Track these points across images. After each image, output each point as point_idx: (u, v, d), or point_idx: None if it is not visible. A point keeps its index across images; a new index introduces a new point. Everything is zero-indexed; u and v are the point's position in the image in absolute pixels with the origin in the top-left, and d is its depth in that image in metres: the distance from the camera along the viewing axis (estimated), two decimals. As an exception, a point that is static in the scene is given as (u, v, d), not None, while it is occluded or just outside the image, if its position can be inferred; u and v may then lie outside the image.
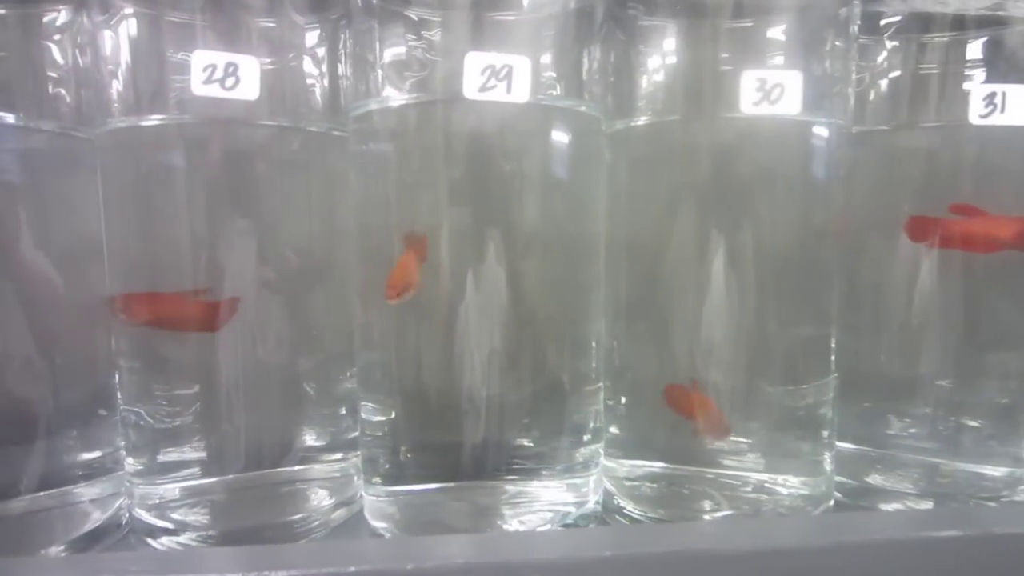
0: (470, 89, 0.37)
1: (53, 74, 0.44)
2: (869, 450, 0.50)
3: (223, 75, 0.39)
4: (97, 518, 0.45)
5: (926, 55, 0.46)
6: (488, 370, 0.41)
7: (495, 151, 0.39)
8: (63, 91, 0.44)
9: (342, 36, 0.45)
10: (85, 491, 0.45)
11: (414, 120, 0.41)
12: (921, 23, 0.46)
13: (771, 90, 0.38)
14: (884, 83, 0.48)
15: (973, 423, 0.47)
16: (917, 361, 0.48)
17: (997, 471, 0.47)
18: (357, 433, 0.47)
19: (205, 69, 0.39)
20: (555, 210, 0.42)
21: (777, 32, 0.41)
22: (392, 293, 0.39)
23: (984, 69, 0.45)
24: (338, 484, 0.47)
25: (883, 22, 0.47)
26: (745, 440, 0.44)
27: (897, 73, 0.47)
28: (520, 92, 0.37)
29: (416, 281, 0.40)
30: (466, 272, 0.40)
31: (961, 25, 0.46)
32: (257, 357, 0.44)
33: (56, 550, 0.42)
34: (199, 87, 0.39)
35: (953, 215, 0.45)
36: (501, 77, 0.36)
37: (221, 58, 0.39)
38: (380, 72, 0.41)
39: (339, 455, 0.48)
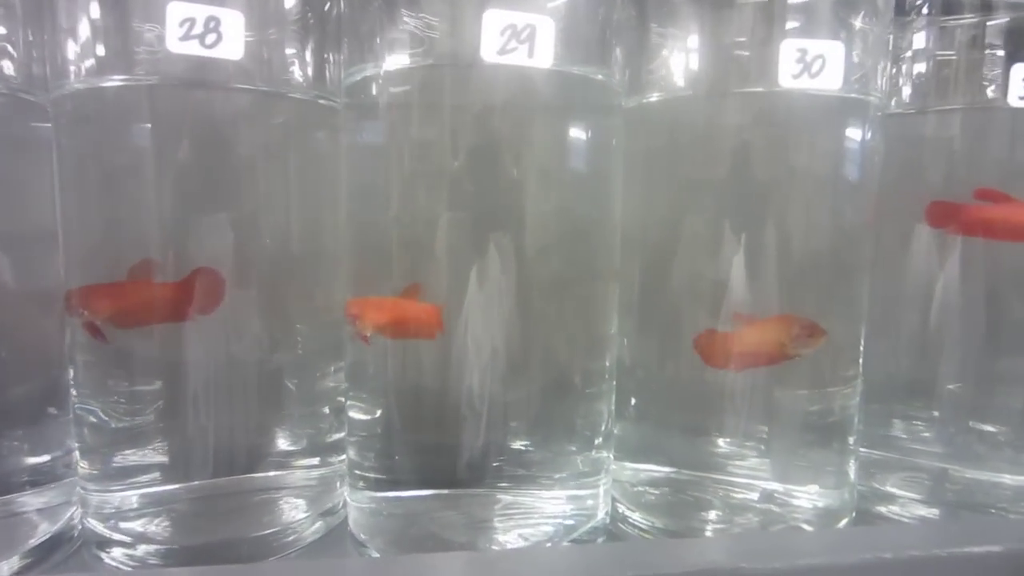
0: (488, 51, 0.33)
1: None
2: (875, 453, 0.47)
3: (203, 31, 0.34)
4: (46, 529, 0.40)
5: (956, 36, 0.44)
6: (489, 367, 0.37)
7: (512, 122, 0.35)
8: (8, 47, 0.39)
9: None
10: (32, 499, 0.39)
11: (420, 87, 0.36)
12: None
13: (812, 62, 0.35)
14: (917, 64, 0.45)
15: (990, 428, 0.45)
16: (930, 362, 0.45)
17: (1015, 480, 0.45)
18: (341, 435, 0.43)
19: (182, 24, 0.34)
20: (572, 191, 0.38)
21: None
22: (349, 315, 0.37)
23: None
24: (317, 492, 0.43)
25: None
26: (762, 446, 0.41)
27: (927, 54, 0.44)
28: (543, 56, 0.33)
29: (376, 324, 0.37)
30: (470, 260, 0.36)
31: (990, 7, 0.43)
32: (228, 349, 0.39)
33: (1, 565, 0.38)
34: (175, 44, 0.34)
35: (978, 201, 0.42)
36: (523, 39, 0.32)
37: (201, 11, 0.34)
38: (381, 32, 0.36)
39: (320, 459, 0.43)
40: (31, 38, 0.39)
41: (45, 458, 0.41)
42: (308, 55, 0.40)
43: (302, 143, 0.41)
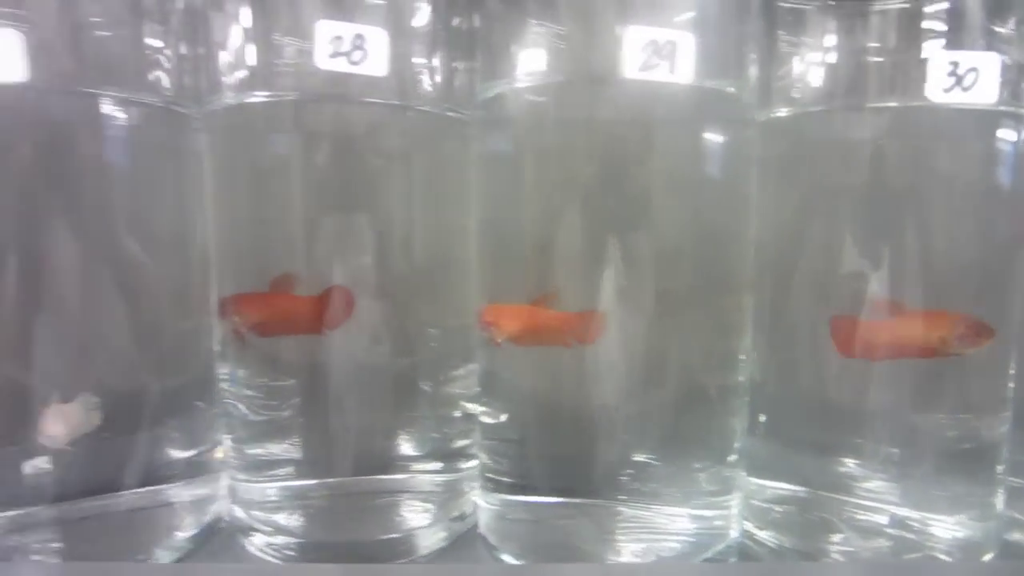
0: (630, 67, 0.33)
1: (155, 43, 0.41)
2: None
3: (351, 48, 0.36)
4: (194, 520, 0.42)
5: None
6: (623, 377, 0.37)
7: (650, 135, 0.35)
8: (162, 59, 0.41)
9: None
10: (182, 490, 0.42)
11: (558, 102, 0.37)
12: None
13: (965, 75, 0.33)
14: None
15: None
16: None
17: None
18: (468, 441, 0.44)
19: (332, 41, 0.36)
20: (707, 204, 0.37)
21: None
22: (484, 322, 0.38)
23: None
24: (445, 498, 0.44)
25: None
26: (895, 468, 0.39)
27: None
28: (684, 71, 0.33)
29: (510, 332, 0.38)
30: (604, 271, 0.36)
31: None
32: (363, 353, 0.41)
33: (159, 552, 0.40)
34: (324, 60, 0.36)
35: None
36: (664, 55, 0.32)
37: (348, 29, 0.36)
38: (520, 48, 0.37)
39: (447, 464, 0.44)
40: (184, 51, 0.41)
41: (194, 451, 0.43)
42: (439, 69, 0.41)
43: (433, 154, 0.42)
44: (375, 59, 0.36)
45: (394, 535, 0.41)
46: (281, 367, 0.41)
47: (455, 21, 0.42)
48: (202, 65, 0.40)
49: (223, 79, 0.39)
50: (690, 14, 0.34)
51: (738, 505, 0.41)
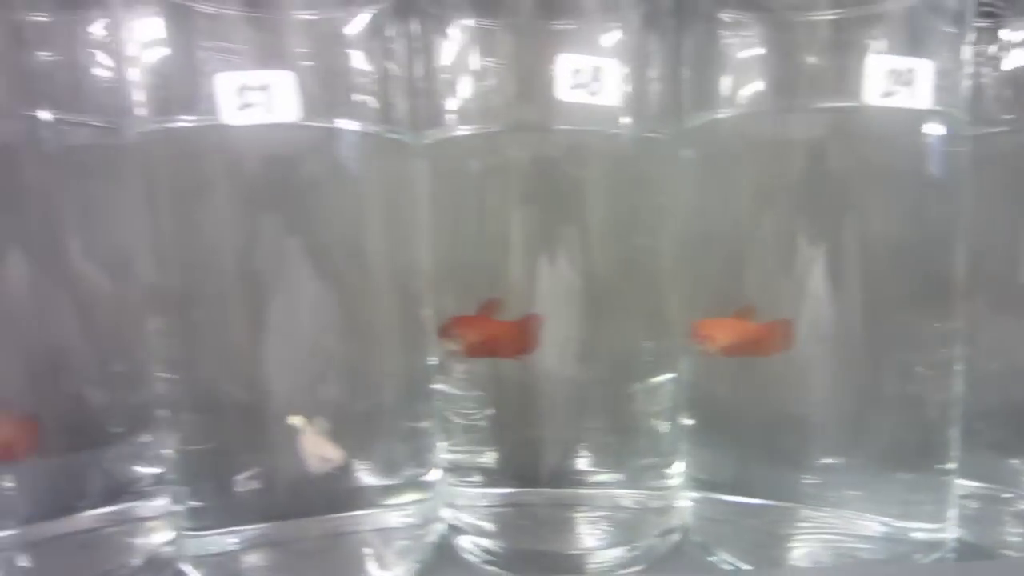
0: (871, 94, 0.35)
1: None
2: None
3: (589, 79, 0.39)
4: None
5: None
6: (835, 385, 0.40)
7: (890, 167, 0.38)
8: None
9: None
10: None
11: (777, 129, 0.40)
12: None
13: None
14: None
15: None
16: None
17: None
18: (672, 456, 0.46)
19: (573, 73, 0.38)
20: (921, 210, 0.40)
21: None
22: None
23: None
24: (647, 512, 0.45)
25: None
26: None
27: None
28: (923, 98, 0.35)
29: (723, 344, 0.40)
30: (817, 283, 0.39)
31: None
32: (570, 369, 0.43)
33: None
34: (566, 92, 0.39)
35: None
36: (904, 81, 0.35)
37: (588, 62, 0.39)
38: (738, 80, 0.40)
39: (651, 478, 0.45)
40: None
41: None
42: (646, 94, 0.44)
43: (639, 174, 0.44)
44: (610, 90, 0.39)
45: (601, 548, 0.43)
46: (491, 382, 0.44)
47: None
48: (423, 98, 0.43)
49: (446, 114, 0.42)
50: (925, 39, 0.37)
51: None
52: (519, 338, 0.42)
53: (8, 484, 0.40)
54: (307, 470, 0.38)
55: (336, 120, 0.39)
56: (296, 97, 0.35)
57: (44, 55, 0.41)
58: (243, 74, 0.35)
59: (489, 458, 0.44)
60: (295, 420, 0.38)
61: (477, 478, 0.45)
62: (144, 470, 0.44)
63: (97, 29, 0.42)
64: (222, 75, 0.35)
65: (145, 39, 0.38)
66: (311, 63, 0.38)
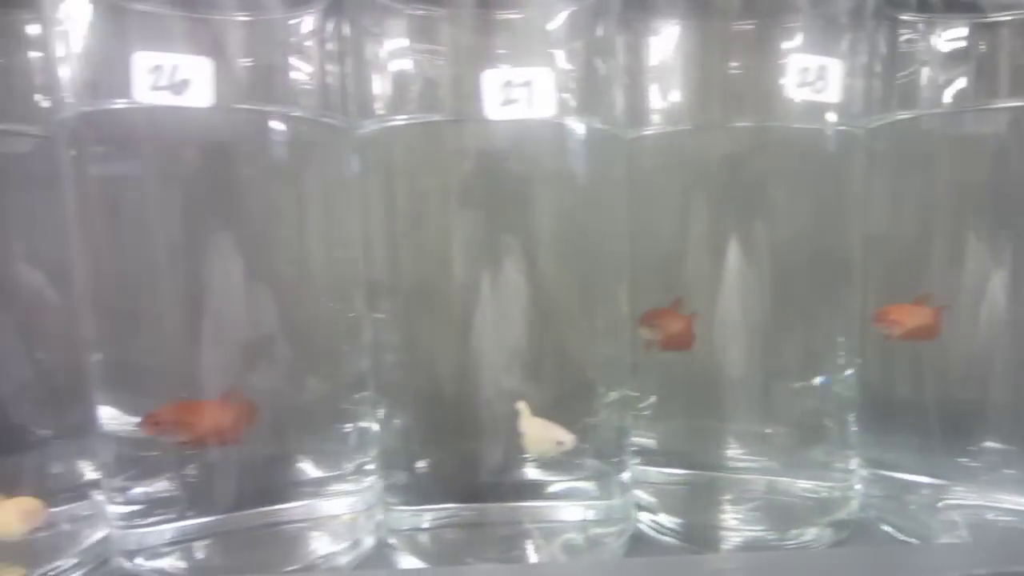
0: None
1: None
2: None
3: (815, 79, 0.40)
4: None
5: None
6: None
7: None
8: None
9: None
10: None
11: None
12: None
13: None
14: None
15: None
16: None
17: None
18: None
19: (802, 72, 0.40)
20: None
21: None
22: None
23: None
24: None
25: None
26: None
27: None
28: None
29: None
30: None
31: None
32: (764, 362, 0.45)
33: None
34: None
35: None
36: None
37: (813, 61, 0.40)
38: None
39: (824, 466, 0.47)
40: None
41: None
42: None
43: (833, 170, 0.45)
44: (832, 86, 0.40)
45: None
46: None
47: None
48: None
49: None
50: None
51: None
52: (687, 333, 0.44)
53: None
54: (534, 454, 0.39)
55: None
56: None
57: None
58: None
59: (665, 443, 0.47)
60: (520, 406, 0.38)
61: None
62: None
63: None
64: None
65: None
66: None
